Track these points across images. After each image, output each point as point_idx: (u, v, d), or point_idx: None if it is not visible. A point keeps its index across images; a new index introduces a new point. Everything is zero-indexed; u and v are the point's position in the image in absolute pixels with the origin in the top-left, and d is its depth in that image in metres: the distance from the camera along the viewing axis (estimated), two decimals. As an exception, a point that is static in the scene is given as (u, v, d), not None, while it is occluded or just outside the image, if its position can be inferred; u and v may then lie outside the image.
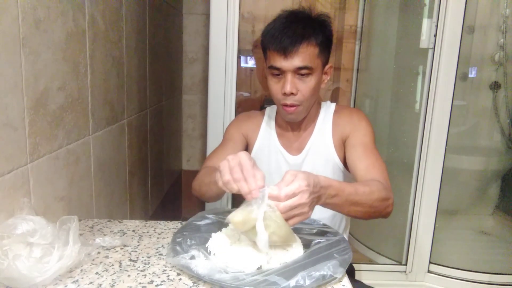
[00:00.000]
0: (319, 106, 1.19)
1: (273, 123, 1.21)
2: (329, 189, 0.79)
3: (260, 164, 1.18)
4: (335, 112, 1.17)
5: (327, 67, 1.09)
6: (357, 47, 2.29)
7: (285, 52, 1.00)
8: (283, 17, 1.05)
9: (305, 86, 1.03)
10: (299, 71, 1.02)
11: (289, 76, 1.02)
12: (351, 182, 1.18)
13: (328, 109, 1.18)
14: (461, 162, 2.26)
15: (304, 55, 1.00)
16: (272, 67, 1.04)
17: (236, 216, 0.73)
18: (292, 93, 1.03)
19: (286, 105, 1.06)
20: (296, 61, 1.00)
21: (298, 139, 1.17)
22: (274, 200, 0.71)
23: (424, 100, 1.70)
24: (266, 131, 1.21)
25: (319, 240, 0.85)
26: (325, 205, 0.81)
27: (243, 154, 0.75)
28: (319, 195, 0.76)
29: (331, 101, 1.21)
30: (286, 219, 0.72)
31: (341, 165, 1.13)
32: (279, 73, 1.04)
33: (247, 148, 1.24)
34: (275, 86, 1.06)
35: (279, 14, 1.06)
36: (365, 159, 1.04)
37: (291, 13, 1.06)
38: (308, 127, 1.17)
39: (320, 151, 1.14)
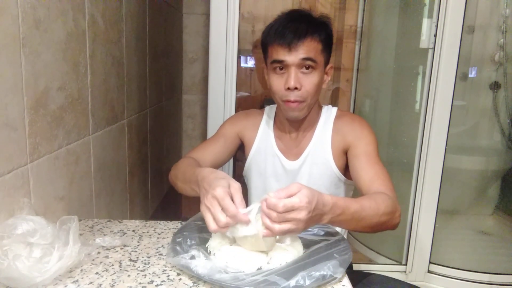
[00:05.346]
0: (320, 110, 1.16)
1: (271, 125, 1.19)
2: (334, 208, 0.78)
3: (257, 166, 1.19)
4: (336, 118, 1.14)
5: (328, 67, 1.08)
6: (357, 47, 2.29)
7: (290, 45, 0.99)
8: (285, 14, 1.06)
9: (309, 81, 1.02)
10: (304, 63, 1.01)
11: (292, 71, 1.01)
12: (352, 193, 1.18)
13: (329, 114, 1.15)
14: (461, 162, 2.26)
15: (308, 48, 1.00)
16: (275, 61, 1.03)
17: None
18: (296, 88, 1.01)
19: (289, 101, 1.04)
20: (300, 53, 1.00)
21: (296, 144, 1.15)
22: (271, 209, 0.70)
23: (424, 100, 1.70)
24: (264, 133, 1.19)
25: (319, 240, 0.85)
26: (331, 223, 0.81)
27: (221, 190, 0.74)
28: (322, 213, 0.76)
29: (331, 101, 1.19)
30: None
31: (338, 173, 1.11)
32: (282, 66, 1.02)
33: (243, 148, 1.22)
34: (277, 82, 1.04)
35: (281, 13, 1.07)
36: (369, 170, 1.01)
37: (293, 11, 1.07)
38: (307, 131, 1.14)
39: (318, 159, 1.12)
